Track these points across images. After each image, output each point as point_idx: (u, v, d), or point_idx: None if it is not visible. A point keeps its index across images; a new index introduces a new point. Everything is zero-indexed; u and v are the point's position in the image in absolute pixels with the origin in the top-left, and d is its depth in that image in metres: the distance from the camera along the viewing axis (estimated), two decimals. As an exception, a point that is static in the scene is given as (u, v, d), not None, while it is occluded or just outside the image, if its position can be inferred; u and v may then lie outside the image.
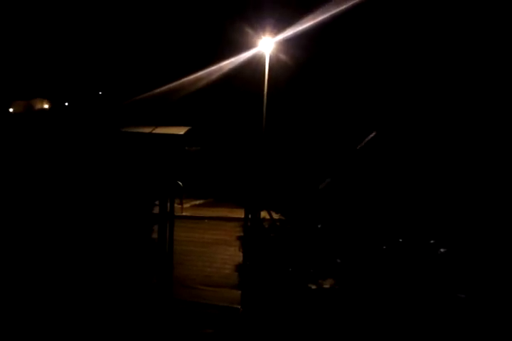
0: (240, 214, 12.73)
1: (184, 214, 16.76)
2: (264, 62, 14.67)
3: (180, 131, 18.89)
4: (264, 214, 12.28)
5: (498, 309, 8.58)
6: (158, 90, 19.55)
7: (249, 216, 12.17)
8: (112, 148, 16.30)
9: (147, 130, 18.68)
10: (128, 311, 10.57)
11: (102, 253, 11.57)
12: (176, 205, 15.81)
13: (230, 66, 18.19)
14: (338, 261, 10.52)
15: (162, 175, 13.66)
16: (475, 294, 8.82)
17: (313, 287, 10.59)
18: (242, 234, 12.12)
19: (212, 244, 14.30)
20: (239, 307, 11.08)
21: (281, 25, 16.21)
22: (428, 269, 9.42)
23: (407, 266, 9.63)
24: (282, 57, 16.64)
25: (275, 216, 12.16)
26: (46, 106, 35.42)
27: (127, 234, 12.04)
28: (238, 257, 11.92)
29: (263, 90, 14.41)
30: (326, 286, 10.54)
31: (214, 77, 19.02)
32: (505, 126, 10.97)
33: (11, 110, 32.10)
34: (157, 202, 12.68)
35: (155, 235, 12.12)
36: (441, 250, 9.52)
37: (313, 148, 12.88)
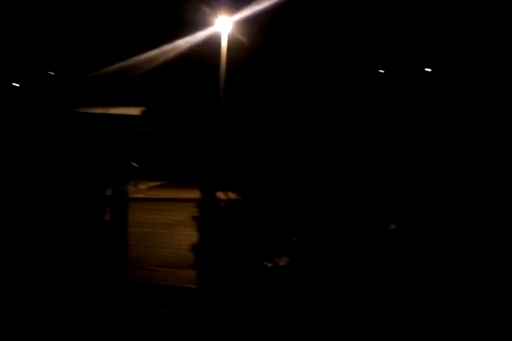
0: (197, 195, 12.76)
1: (140, 195, 16.68)
2: (222, 42, 14.59)
3: (136, 111, 18.66)
4: (220, 194, 12.35)
5: (445, 281, 8.97)
6: (111, 69, 19.20)
7: (206, 196, 12.24)
8: (64, 129, 15.95)
9: (100, 110, 18.36)
10: (81, 293, 10.51)
11: (52, 235, 11.41)
12: (131, 187, 15.75)
13: (186, 45, 17.99)
14: (294, 238, 10.72)
15: (116, 156, 13.48)
16: (423, 267, 9.20)
17: (269, 265, 10.76)
18: (198, 214, 12.18)
19: (168, 225, 14.33)
20: (195, 286, 11.18)
21: (239, 4, 16.12)
22: (379, 245, 9.73)
23: (359, 242, 9.91)
24: (240, 37, 16.57)
25: (232, 196, 12.23)
26: (-5, 87, 34.19)
27: (79, 215, 11.88)
28: (195, 238, 11.98)
29: (220, 71, 14.36)
30: (282, 264, 10.74)
31: (169, 56, 18.80)
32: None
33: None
34: (110, 184, 12.58)
35: (108, 217, 12.04)
36: (392, 226, 9.84)
37: (270, 128, 12.97)
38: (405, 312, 9.01)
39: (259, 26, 17.30)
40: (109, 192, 12.74)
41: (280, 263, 10.74)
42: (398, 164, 10.48)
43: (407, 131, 10.84)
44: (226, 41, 14.72)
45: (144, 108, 18.00)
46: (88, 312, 10.11)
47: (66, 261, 11.14)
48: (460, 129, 10.46)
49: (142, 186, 17.33)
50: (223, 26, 14.98)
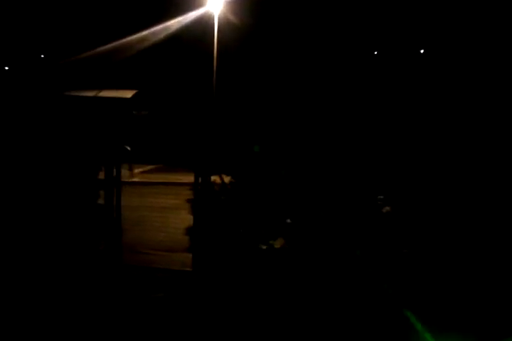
0: (191, 179, 12.75)
1: (134, 179, 16.63)
2: (213, 23, 14.39)
3: (127, 94, 18.46)
4: (215, 178, 12.35)
5: (437, 262, 9.06)
6: (102, 50, 18.95)
7: (200, 180, 12.24)
8: (55, 113, 15.82)
9: (92, 94, 18.17)
10: (76, 278, 10.55)
11: (47, 219, 11.40)
12: (126, 171, 15.70)
13: (177, 26, 17.74)
14: (288, 221, 10.78)
15: (108, 140, 13.42)
16: (417, 249, 9.28)
17: (264, 247, 10.84)
18: (193, 197, 12.20)
19: (163, 209, 14.32)
20: (190, 270, 11.24)
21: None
22: (373, 226, 9.79)
23: (354, 224, 9.97)
24: (232, 18, 16.34)
25: (226, 179, 12.25)
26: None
27: (72, 199, 11.87)
28: (190, 221, 12.00)
29: (212, 52, 14.19)
30: (277, 246, 10.81)
31: (160, 37, 18.56)
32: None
33: None
34: (103, 168, 12.55)
35: (101, 201, 12.03)
36: (387, 208, 9.89)
37: (263, 112, 12.90)
38: (399, 292, 9.10)
39: (251, 7, 17.09)
40: (102, 175, 12.72)
41: (275, 246, 10.81)
42: (393, 148, 10.48)
43: (402, 116, 10.81)
44: (217, 22, 14.53)
45: (136, 91, 17.86)
46: (84, 296, 10.16)
47: (60, 245, 11.16)
48: (452, 116, 10.44)
49: (136, 170, 17.27)
50: (215, 6, 14.77)
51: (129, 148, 13.07)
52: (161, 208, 14.26)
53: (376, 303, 9.07)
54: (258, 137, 11.91)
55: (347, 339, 8.68)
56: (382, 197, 10.34)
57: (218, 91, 13.30)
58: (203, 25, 15.14)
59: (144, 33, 18.14)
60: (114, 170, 12.81)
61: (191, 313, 9.96)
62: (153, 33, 18.23)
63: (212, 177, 12.32)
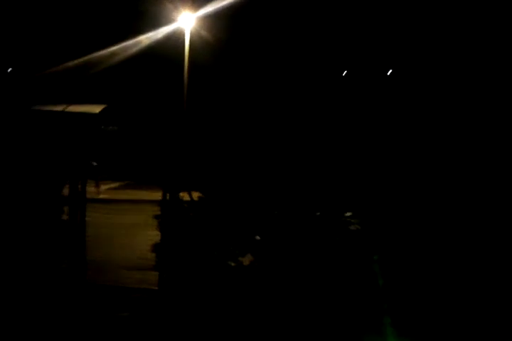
0: (159, 195, 12.69)
1: (101, 196, 16.45)
2: (185, 39, 14.54)
3: (95, 109, 18.34)
4: (183, 194, 12.32)
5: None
6: (71, 65, 18.92)
7: (168, 196, 12.20)
8: (21, 127, 15.66)
9: (60, 108, 18.04)
10: (37, 296, 10.31)
11: (5, 233, 11.16)
12: (92, 187, 15.54)
13: (149, 41, 17.86)
14: (257, 237, 10.77)
15: (74, 155, 13.31)
16: (384, 263, 9.37)
17: (233, 264, 10.78)
18: (160, 214, 12.12)
19: (131, 226, 14.17)
20: (156, 288, 11.09)
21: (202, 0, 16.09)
22: (341, 243, 9.87)
23: (322, 240, 10.03)
24: (204, 34, 16.53)
25: (195, 196, 12.23)
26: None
27: (34, 214, 11.67)
28: (158, 238, 11.90)
29: (183, 67, 14.31)
30: (246, 263, 10.78)
31: (132, 52, 18.63)
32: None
33: None
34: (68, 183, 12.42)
35: (65, 217, 11.87)
36: (356, 225, 9.99)
37: (232, 128, 13.02)
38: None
39: (223, 22, 17.33)
40: (66, 191, 12.59)
41: (244, 263, 10.77)
42: (359, 164, 10.65)
43: (368, 129, 11.01)
44: (189, 37, 14.70)
45: (105, 105, 17.79)
46: (45, 314, 9.92)
47: (22, 262, 10.92)
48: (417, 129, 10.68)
49: (103, 186, 17.11)
50: (186, 22, 14.95)
51: (95, 164, 12.94)
52: (128, 225, 14.11)
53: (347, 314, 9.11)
54: (227, 154, 11.98)
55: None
56: (350, 214, 10.45)
57: (189, 106, 13.38)
58: (175, 40, 15.30)
59: (115, 47, 18.21)
60: (80, 186, 12.68)
61: (156, 332, 9.81)
62: (125, 48, 18.31)
63: (181, 194, 12.29)
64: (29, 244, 11.26)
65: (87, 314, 10.27)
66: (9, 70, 26.32)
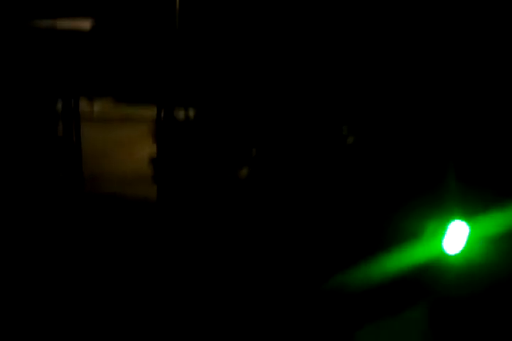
0: (155, 112, 12.64)
1: (95, 113, 16.37)
2: None
3: (86, 23, 17.80)
4: (178, 109, 12.26)
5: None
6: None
7: (163, 111, 12.16)
8: (6, 43, 15.22)
9: (49, 23, 17.43)
10: (35, 205, 10.56)
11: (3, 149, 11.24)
12: (86, 104, 15.42)
13: None
14: (254, 150, 10.88)
15: (65, 71, 13.09)
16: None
17: (229, 177, 10.98)
18: (156, 129, 12.14)
19: (127, 142, 14.24)
20: (154, 200, 11.36)
21: None
22: (337, 155, 9.99)
23: (319, 152, 10.14)
24: None
25: (190, 110, 12.18)
26: None
27: (29, 128, 11.68)
28: (153, 152, 12.01)
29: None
30: (242, 176, 10.97)
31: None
32: None
33: None
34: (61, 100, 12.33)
35: (60, 132, 11.90)
36: (351, 138, 10.04)
37: (231, 37, 12.57)
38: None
39: None
40: (60, 108, 12.53)
41: (240, 175, 10.96)
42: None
43: None
44: None
45: (96, 18, 17.17)
46: (44, 223, 10.23)
47: (18, 173, 11.07)
48: None
49: (96, 103, 16.96)
50: None
51: (86, 78, 12.76)
52: (125, 141, 14.17)
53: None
54: (225, 65, 11.71)
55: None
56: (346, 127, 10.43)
57: (184, 16, 12.87)
58: None
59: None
60: (72, 102, 12.61)
61: (157, 241, 10.18)
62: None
63: (176, 109, 12.24)
64: (25, 158, 11.35)
65: (86, 223, 10.59)
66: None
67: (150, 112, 15.00)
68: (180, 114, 12.12)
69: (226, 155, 11.12)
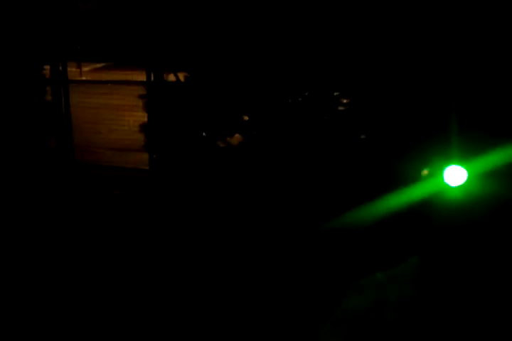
0: (144, 77, 12.43)
1: (84, 78, 16.12)
2: None
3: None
4: (169, 74, 12.06)
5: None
6: None
7: (152, 76, 11.95)
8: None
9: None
10: (26, 173, 10.51)
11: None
12: (74, 69, 15.15)
13: None
14: (245, 118, 10.79)
15: (50, 34, 12.73)
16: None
17: (222, 145, 10.93)
18: (146, 95, 11.98)
19: (116, 109, 14.07)
20: (147, 168, 11.34)
21: None
22: (329, 123, 9.94)
23: (310, 119, 10.08)
24: None
25: (181, 76, 11.98)
26: None
27: (15, 94, 11.47)
28: (145, 119, 11.89)
29: None
30: (234, 143, 10.93)
31: None
32: None
33: None
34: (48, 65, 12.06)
35: (49, 97, 11.70)
36: (344, 101, 9.97)
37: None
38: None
39: None
40: (47, 73, 12.28)
41: (232, 143, 10.91)
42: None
43: None
44: None
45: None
46: (35, 191, 10.20)
47: (4, 140, 10.95)
48: None
49: (85, 68, 16.68)
50: None
51: (73, 42, 12.44)
52: (114, 107, 14.00)
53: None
54: (215, 30, 11.43)
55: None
56: (338, 93, 10.34)
57: None
58: None
59: None
60: (60, 66, 12.34)
61: (151, 210, 10.21)
62: None
63: (166, 74, 12.02)
64: (11, 122, 11.18)
65: (79, 191, 10.59)
66: None
67: (140, 76, 14.79)
68: (171, 79, 11.95)
69: (217, 121, 11.02)
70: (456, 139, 7.82)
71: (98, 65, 17.36)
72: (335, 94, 9.95)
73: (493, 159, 7.48)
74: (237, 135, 10.79)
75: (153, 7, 13.33)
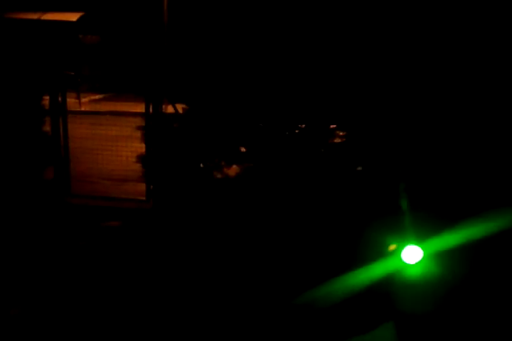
0: (143, 108, 12.57)
1: (82, 109, 16.27)
2: None
3: (73, 17, 17.59)
4: (168, 106, 12.21)
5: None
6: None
7: (151, 108, 12.09)
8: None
9: (35, 16, 17.24)
10: (21, 205, 10.49)
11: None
12: (73, 100, 15.34)
13: None
14: (243, 149, 10.87)
15: (51, 66, 12.95)
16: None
17: (219, 176, 10.97)
18: (144, 126, 12.09)
19: (114, 139, 14.12)
20: (143, 198, 11.34)
21: None
22: (325, 155, 10.01)
23: (307, 151, 10.16)
24: None
25: (179, 107, 12.14)
26: None
27: (14, 125, 11.57)
28: (143, 150, 11.96)
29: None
30: (232, 175, 10.97)
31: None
32: None
33: None
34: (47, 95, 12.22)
35: (47, 128, 11.80)
36: (340, 138, 10.08)
37: (220, 34, 12.55)
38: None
39: None
40: (46, 103, 12.43)
41: (230, 174, 10.96)
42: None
43: None
44: None
45: (82, 13, 16.99)
46: (32, 223, 10.17)
47: (3, 172, 10.98)
48: None
49: (84, 99, 16.85)
50: None
51: (73, 74, 12.63)
52: (112, 138, 14.07)
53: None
54: (212, 63, 11.67)
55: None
56: (335, 126, 10.47)
57: (172, 12, 12.84)
58: None
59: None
60: (60, 97, 12.50)
61: (149, 240, 10.17)
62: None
63: (165, 106, 12.18)
64: (9, 153, 11.23)
65: (76, 222, 10.55)
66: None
67: (138, 107, 14.94)
68: (169, 110, 12.10)
69: (215, 152, 11.09)
70: (410, 219, 8.11)
71: (97, 96, 17.57)
72: (331, 127, 10.07)
73: (448, 239, 7.84)
74: (234, 166, 10.86)
75: (153, 40, 13.66)
